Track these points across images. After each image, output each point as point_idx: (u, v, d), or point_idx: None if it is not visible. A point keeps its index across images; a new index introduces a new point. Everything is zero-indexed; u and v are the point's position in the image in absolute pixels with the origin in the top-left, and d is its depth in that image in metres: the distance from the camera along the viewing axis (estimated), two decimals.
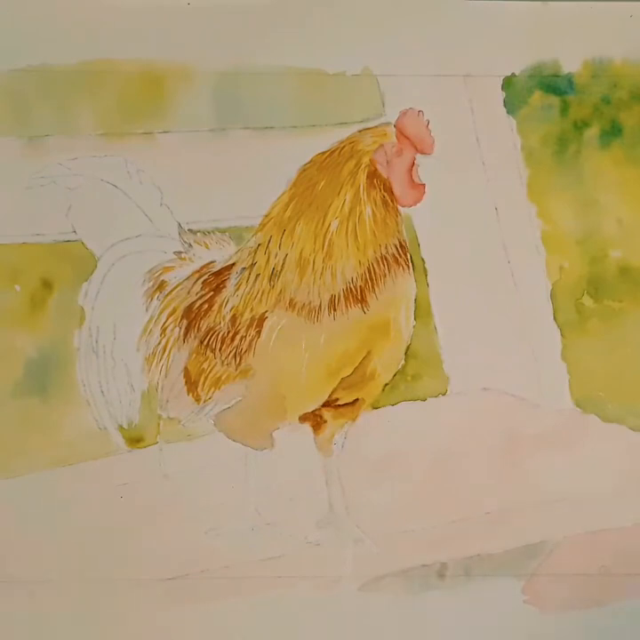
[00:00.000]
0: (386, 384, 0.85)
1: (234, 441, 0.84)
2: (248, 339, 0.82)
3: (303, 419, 0.84)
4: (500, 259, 0.90)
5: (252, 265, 0.83)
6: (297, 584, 0.83)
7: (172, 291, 0.86)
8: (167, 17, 0.88)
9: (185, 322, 0.85)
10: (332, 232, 0.80)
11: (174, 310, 0.86)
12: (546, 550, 0.85)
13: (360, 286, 0.81)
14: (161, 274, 0.87)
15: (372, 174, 0.81)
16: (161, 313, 0.86)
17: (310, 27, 0.89)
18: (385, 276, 0.81)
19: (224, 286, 0.84)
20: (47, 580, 0.82)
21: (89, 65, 0.87)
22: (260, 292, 0.82)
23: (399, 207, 0.82)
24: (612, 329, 0.89)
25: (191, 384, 0.84)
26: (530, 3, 0.90)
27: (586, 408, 0.89)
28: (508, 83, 0.91)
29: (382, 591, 0.84)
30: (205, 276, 0.86)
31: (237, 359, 0.82)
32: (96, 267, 0.86)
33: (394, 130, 0.82)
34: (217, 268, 0.86)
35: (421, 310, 0.86)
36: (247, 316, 0.82)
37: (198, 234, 0.88)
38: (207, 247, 0.88)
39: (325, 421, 0.85)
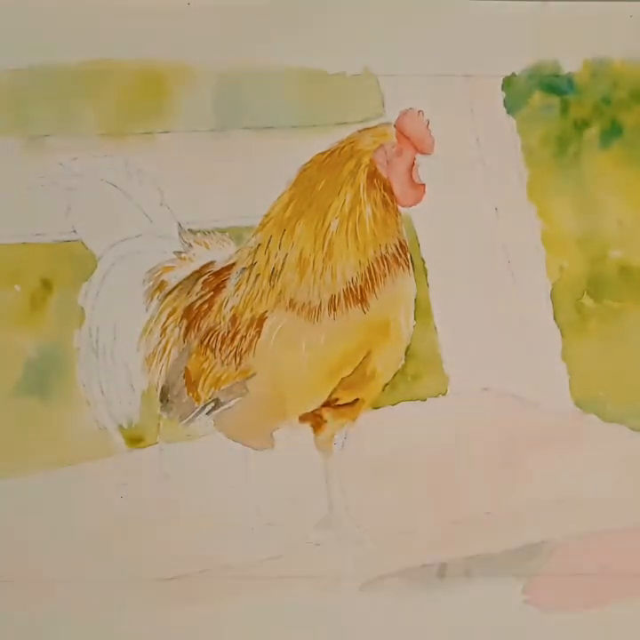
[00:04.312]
0: (386, 384, 0.85)
1: (234, 441, 0.84)
2: (248, 339, 0.82)
3: (303, 419, 0.84)
4: (500, 259, 0.90)
5: (252, 265, 0.83)
6: (297, 584, 0.83)
7: (172, 291, 0.86)
8: (167, 17, 0.88)
9: (185, 322, 0.85)
10: (331, 232, 0.80)
11: (174, 310, 0.86)
12: (546, 550, 0.85)
13: (360, 286, 0.81)
14: (161, 274, 0.87)
15: (372, 174, 0.81)
16: (161, 313, 0.86)
17: (310, 27, 0.89)
18: (385, 275, 0.81)
19: (224, 286, 0.84)
20: (47, 579, 0.82)
21: (89, 65, 0.87)
22: (259, 292, 0.82)
23: (399, 207, 0.82)
24: (612, 329, 0.89)
25: (191, 384, 0.84)
26: (530, 3, 0.90)
27: (586, 408, 0.89)
28: (507, 83, 0.91)
29: (382, 591, 0.84)
30: (205, 276, 0.86)
31: (237, 359, 0.82)
32: (96, 267, 0.86)
33: (394, 130, 0.82)
34: (217, 268, 0.86)
35: (421, 310, 0.86)
36: (247, 315, 0.82)
37: (198, 234, 0.88)
38: (207, 247, 0.88)
39: (325, 421, 0.85)
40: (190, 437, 0.85)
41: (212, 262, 0.87)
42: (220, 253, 0.87)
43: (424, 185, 0.82)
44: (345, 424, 0.85)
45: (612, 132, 0.91)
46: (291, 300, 0.81)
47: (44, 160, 0.86)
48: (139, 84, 0.87)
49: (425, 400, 0.87)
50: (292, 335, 0.81)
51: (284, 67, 0.88)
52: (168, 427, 0.85)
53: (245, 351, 0.82)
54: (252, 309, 0.82)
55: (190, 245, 0.87)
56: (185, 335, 0.85)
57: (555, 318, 0.90)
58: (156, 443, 0.85)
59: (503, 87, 0.91)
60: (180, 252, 0.87)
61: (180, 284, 0.86)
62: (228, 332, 0.83)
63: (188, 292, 0.86)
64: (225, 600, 0.83)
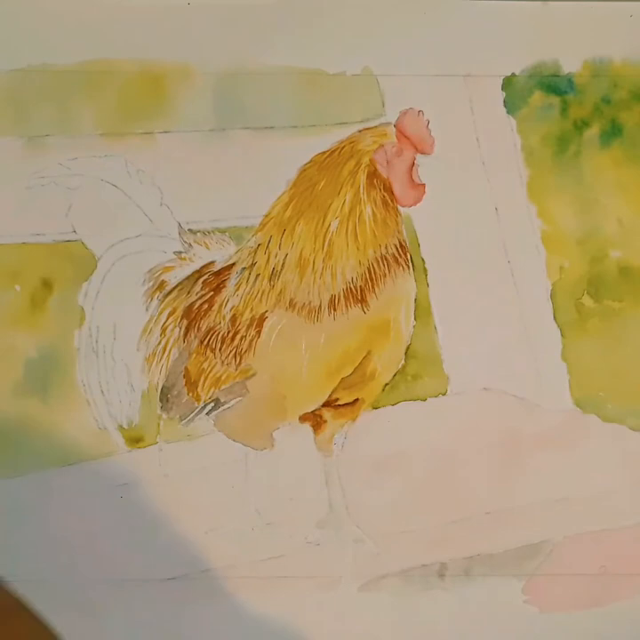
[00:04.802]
0: (386, 384, 0.85)
1: (234, 441, 0.84)
2: (248, 339, 0.82)
3: (303, 419, 0.84)
4: (500, 259, 0.90)
5: (252, 265, 0.83)
6: (297, 584, 0.83)
7: (172, 291, 0.86)
8: (167, 17, 0.88)
9: (185, 322, 0.85)
10: (331, 232, 0.80)
11: (174, 310, 0.86)
12: (546, 550, 0.85)
13: (360, 286, 0.81)
14: (161, 274, 0.87)
15: (372, 174, 0.81)
16: (161, 313, 0.86)
17: (310, 27, 0.89)
18: (385, 275, 0.81)
19: (224, 286, 0.84)
20: (47, 579, 0.82)
21: (89, 65, 0.87)
22: (259, 292, 0.82)
23: (399, 207, 0.82)
24: (612, 329, 0.89)
25: (191, 384, 0.84)
26: (530, 3, 0.90)
27: (586, 408, 0.88)
28: (508, 83, 0.91)
29: (382, 591, 0.84)
30: (205, 276, 0.86)
31: (237, 359, 0.82)
32: (96, 267, 0.86)
33: (394, 130, 0.82)
34: (217, 268, 0.86)
35: (421, 310, 0.86)
36: (247, 315, 0.82)
37: (198, 234, 0.88)
38: (207, 247, 0.88)
39: (325, 421, 0.85)
40: (190, 437, 0.85)
41: (212, 262, 0.87)
42: (220, 253, 0.87)
43: (424, 185, 0.82)
44: (345, 424, 0.85)
45: (612, 132, 0.91)
46: (291, 300, 0.81)
47: (44, 160, 0.86)
48: (139, 84, 0.87)
49: (425, 400, 0.87)
50: (292, 335, 0.81)
51: (283, 67, 0.88)
52: (168, 427, 0.85)
53: (245, 351, 0.82)
54: (252, 309, 0.82)
55: (190, 245, 0.87)
56: (185, 335, 0.85)
57: (555, 318, 0.90)
58: (156, 443, 0.85)
59: (503, 87, 0.91)
60: (180, 252, 0.87)
61: (179, 284, 0.87)
62: (228, 332, 0.83)
63: (188, 292, 0.86)
64: (225, 600, 0.83)
